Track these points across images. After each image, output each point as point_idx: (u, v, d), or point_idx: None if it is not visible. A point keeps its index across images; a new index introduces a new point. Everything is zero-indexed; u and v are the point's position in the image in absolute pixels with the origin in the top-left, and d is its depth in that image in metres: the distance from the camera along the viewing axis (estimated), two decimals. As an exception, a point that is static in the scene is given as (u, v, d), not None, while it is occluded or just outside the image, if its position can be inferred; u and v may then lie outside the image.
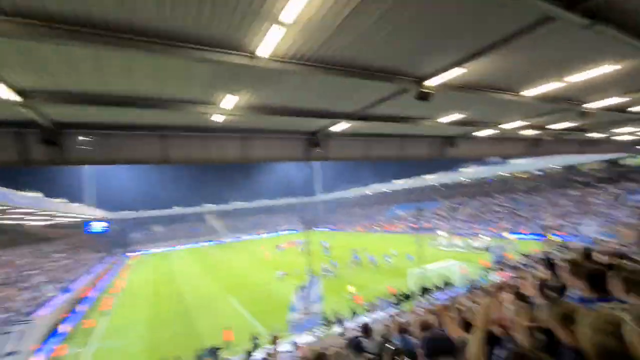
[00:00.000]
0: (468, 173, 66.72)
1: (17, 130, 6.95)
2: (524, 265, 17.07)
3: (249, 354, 14.93)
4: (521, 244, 32.70)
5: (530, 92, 7.81)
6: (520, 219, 45.68)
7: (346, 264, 35.53)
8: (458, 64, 5.73)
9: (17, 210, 35.15)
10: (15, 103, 5.39)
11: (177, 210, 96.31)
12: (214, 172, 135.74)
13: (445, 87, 6.68)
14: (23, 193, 35.46)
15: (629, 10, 4.43)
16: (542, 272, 4.48)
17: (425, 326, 4.64)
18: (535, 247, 26.10)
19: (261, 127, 9.18)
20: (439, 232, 47.04)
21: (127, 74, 5.19)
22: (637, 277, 2.27)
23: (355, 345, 4.90)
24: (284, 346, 13.43)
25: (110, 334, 22.03)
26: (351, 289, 23.75)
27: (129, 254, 72.22)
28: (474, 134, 12.55)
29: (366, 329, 5.66)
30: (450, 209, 62.59)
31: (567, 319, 1.88)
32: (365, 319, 16.28)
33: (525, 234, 39.96)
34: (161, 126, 8.10)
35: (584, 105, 9.48)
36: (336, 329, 16.69)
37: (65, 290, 33.19)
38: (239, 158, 9.46)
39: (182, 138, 8.64)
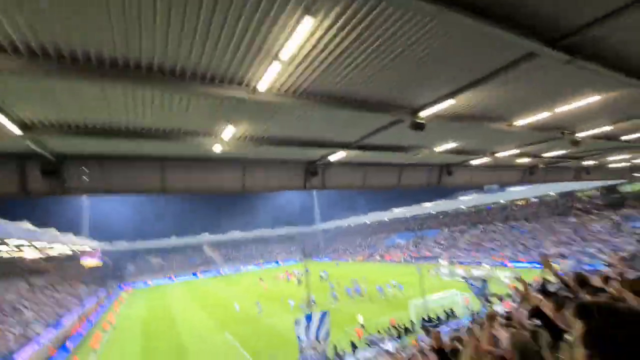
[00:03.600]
0: (467, 201, 66.73)
1: (18, 162, 7.00)
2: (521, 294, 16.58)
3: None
4: (523, 273, 32.05)
5: (521, 122, 8.05)
6: (520, 247, 45.11)
7: (344, 294, 34.51)
8: (449, 96, 5.96)
9: (9, 243, 34.55)
10: (18, 136, 5.48)
11: (173, 241, 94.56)
12: (210, 202, 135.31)
13: (438, 117, 6.88)
14: (16, 224, 35.01)
15: (607, 47, 4.71)
16: (539, 301, 4.40)
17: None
18: (535, 276, 25.59)
19: (260, 157, 9.27)
20: (440, 260, 46.21)
21: (131, 108, 5.32)
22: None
23: None
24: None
25: (98, 374, 20.90)
26: (360, 319, 22.97)
27: (123, 286, 70.11)
28: (470, 162, 12.75)
29: None
30: (451, 237, 61.91)
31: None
32: (366, 354, 15.60)
33: (526, 262, 39.33)
34: (161, 157, 8.18)
35: (576, 134, 9.73)
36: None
37: (55, 325, 31.90)
38: (238, 188, 9.47)
39: (181, 168, 8.67)
